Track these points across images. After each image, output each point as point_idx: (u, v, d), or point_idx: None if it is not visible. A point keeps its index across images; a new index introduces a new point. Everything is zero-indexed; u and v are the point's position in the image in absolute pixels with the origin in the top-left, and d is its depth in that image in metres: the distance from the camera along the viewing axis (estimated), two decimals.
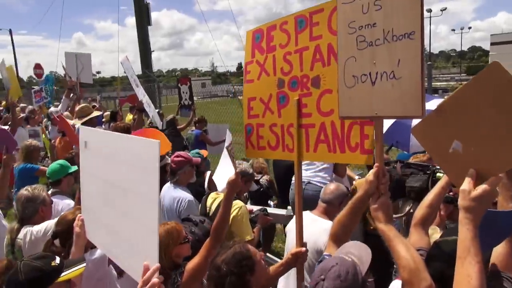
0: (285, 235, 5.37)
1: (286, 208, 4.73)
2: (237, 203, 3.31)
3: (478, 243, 1.31)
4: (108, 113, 8.68)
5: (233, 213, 3.24)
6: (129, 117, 8.70)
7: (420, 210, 2.00)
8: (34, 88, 10.09)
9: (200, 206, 3.68)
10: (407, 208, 2.61)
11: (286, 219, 4.59)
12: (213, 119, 10.84)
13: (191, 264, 2.28)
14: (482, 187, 1.35)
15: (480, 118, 1.38)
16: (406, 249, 1.56)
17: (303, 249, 2.44)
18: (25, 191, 3.10)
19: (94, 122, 6.38)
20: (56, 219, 2.83)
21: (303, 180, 4.38)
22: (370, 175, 1.82)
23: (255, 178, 4.41)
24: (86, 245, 2.24)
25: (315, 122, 2.31)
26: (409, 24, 1.64)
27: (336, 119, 2.17)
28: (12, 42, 30.36)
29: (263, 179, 5.19)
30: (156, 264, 1.50)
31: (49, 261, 1.78)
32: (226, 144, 2.65)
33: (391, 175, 1.93)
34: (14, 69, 9.83)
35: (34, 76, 19.85)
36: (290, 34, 2.42)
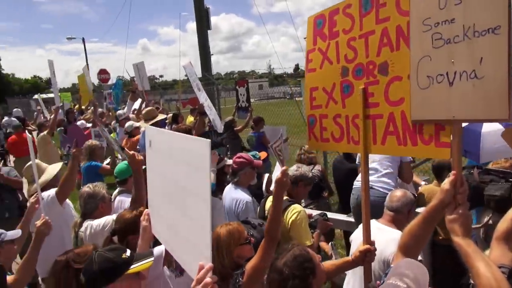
0: (344, 241, 5.25)
1: (346, 213, 4.58)
2: (296, 207, 3.25)
3: None
4: (170, 115, 9.02)
5: (292, 217, 3.19)
6: (190, 119, 8.97)
7: (504, 223, 1.81)
8: (104, 91, 10.82)
9: (258, 209, 3.67)
10: (486, 219, 2.39)
11: (346, 225, 4.45)
12: (270, 121, 10.85)
13: (250, 265, 2.27)
14: None
15: None
16: (487, 266, 1.41)
17: (372, 247, 2.35)
18: (87, 187, 3.30)
19: (158, 125, 6.68)
20: (114, 215, 2.98)
21: (358, 186, 4.24)
22: (446, 183, 1.67)
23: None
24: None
25: (383, 113, 2.15)
26: (494, 18, 1.48)
27: (407, 109, 1.97)
28: (85, 50, 32.62)
29: (315, 170, 4.92)
30: (209, 263, 1.50)
31: (120, 253, 1.85)
32: (272, 141, 2.58)
33: (467, 181, 1.75)
34: (85, 76, 10.56)
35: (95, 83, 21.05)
36: (354, 18, 2.27)
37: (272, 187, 4.15)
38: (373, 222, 2.88)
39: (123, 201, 3.83)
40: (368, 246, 2.36)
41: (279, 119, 11.10)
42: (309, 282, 1.91)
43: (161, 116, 7.06)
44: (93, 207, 3.20)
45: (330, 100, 2.49)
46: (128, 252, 1.90)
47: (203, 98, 5.70)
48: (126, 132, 7.10)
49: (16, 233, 2.78)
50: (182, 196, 1.74)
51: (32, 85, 68.46)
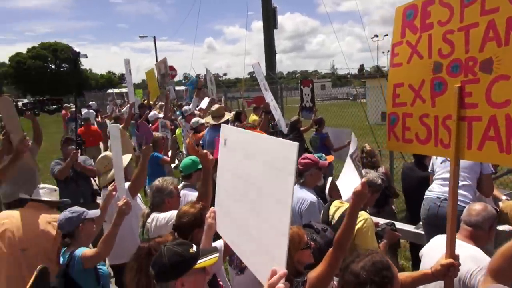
0: (410, 253, 4.95)
1: (414, 224, 4.30)
2: (362, 215, 3.09)
3: None
4: (233, 113, 9.14)
5: (358, 225, 3.04)
6: (253, 117, 9.01)
7: (497, 259, 1.57)
8: (169, 87, 11.31)
9: (322, 213, 3.55)
10: None
11: (414, 237, 4.18)
12: (333, 122, 10.60)
13: (314, 273, 2.19)
14: None
15: None
16: None
17: (456, 262, 2.17)
18: (157, 181, 3.40)
19: (224, 123, 6.78)
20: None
21: (438, 196, 3.95)
22: None
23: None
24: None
25: (482, 115, 1.95)
26: None
27: None
28: (155, 48, 34.36)
29: (380, 172, 4.63)
30: (283, 270, 1.46)
31: (187, 248, 1.86)
32: (351, 151, 2.46)
33: None
34: (155, 72, 11.08)
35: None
36: (453, 8, 2.06)
37: (330, 191, 4.02)
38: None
39: (186, 195, 3.92)
40: (451, 260, 2.18)
41: (342, 121, 10.80)
42: None
43: (228, 115, 7.14)
44: (159, 201, 3.29)
45: (417, 98, 2.30)
46: (195, 247, 1.91)
47: (269, 97, 5.69)
48: (192, 127, 7.29)
49: (96, 212, 3.09)
50: (258, 198, 1.70)
51: (106, 80, 73.51)
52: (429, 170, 4.29)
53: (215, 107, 6.98)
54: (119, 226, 2.80)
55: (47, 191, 3.43)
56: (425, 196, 3.99)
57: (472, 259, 2.41)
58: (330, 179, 4.71)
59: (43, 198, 3.35)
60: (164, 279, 1.84)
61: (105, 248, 2.74)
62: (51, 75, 63.93)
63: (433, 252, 2.67)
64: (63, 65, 66.97)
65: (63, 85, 60.21)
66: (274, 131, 6.21)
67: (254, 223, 1.75)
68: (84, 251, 2.77)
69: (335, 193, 4.30)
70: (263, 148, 1.69)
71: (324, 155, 4.25)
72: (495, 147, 1.89)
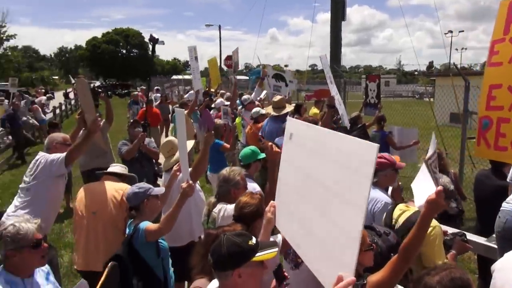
0: (479, 268, 4.59)
1: (485, 236, 3.96)
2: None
3: None
4: (293, 105, 9.04)
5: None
6: (313, 110, 8.86)
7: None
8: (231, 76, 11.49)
9: (384, 216, 3.38)
10: None
11: (484, 250, 3.85)
12: (396, 120, 10.14)
13: (374, 278, 2.07)
14: None
15: None
16: None
17: None
18: (224, 171, 3.41)
19: (285, 116, 6.73)
20: None
21: (508, 209, 3.60)
22: None
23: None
24: None
25: None
26: None
27: None
28: (220, 37, 34.97)
29: (451, 176, 4.22)
30: (352, 277, 1.38)
31: (247, 240, 1.84)
32: (428, 154, 2.28)
33: None
34: (218, 60, 11.27)
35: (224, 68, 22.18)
36: None
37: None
38: None
39: None
40: None
41: (406, 119, 10.29)
42: None
43: (289, 108, 7.06)
44: (225, 191, 3.30)
45: None
46: (254, 239, 1.88)
47: (334, 91, 5.52)
48: (252, 117, 7.31)
49: (160, 190, 3.28)
50: (325, 198, 1.62)
51: (171, 66, 76.41)
52: (508, 180, 3.91)
53: (276, 98, 6.93)
54: (181, 207, 2.88)
55: (118, 167, 3.90)
56: (501, 208, 3.64)
57: None
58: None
59: (116, 171, 3.82)
60: (221, 268, 1.83)
61: (167, 225, 2.84)
62: (122, 59, 67.74)
63: (508, 269, 2.43)
64: (133, 50, 70.61)
65: (132, 69, 63.50)
66: (338, 127, 6.03)
67: (319, 223, 1.67)
68: (147, 225, 2.89)
69: (398, 196, 4.08)
70: (336, 146, 1.59)
71: (389, 154, 4.04)
72: None
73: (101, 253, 3.36)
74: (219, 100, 9.29)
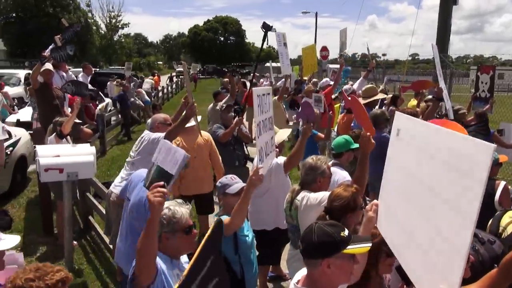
0: None
1: None
2: None
3: None
4: (390, 96, 8.57)
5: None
6: (413, 102, 8.30)
7: None
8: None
9: (490, 222, 3.05)
10: None
11: None
12: (509, 118, 9.01)
13: None
14: None
15: None
16: None
17: None
18: (310, 159, 3.35)
19: (374, 104, 6.48)
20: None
21: None
22: None
23: None
24: None
25: None
26: None
27: None
28: (316, 24, 34.31)
29: None
30: None
31: (339, 231, 1.80)
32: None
33: None
34: (315, 48, 10.99)
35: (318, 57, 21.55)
36: None
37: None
38: None
39: (335, 172, 3.83)
40: None
41: None
42: None
43: (380, 96, 6.79)
44: (311, 179, 3.25)
45: None
46: (347, 231, 1.83)
47: (443, 83, 5.10)
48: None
49: (235, 188, 3.14)
50: (431, 203, 1.47)
51: (266, 53, 77.56)
52: None
53: (367, 86, 6.76)
54: (249, 198, 2.81)
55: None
56: None
57: None
58: (502, 184, 4.01)
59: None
60: (310, 256, 1.82)
61: (237, 218, 2.82)
62: (219, 46, 70.84)
63: None
64: (230, 37, 73.32)
65: (228, 56, 66.02)
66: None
67: (422, 230, 1.53)
68: (225, 219, 2.88)
69: (507, 202, 3.66)
70: (446, 145, 1.40)
71: (496, 153, 3.63)
72: None
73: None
74: (325, 79, 9.32)
